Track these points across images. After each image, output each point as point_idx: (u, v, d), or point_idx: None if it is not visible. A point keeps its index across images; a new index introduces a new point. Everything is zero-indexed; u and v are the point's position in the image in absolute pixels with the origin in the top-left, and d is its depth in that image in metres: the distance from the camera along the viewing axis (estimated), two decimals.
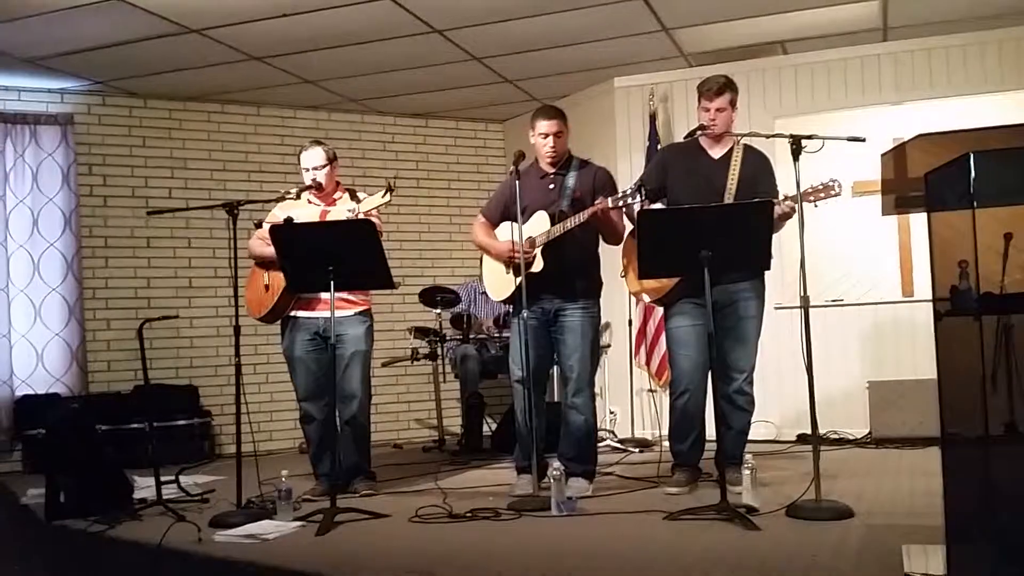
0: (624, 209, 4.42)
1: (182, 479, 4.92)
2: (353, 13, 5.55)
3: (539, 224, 4.46)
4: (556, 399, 5.32)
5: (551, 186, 4.54)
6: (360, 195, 4.76)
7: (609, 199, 4.25)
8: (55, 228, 6.67)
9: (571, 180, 4.54)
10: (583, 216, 4.30)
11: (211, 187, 7.19)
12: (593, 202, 4.39)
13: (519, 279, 4.39)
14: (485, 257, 4.75)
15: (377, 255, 4.13)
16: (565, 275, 4.44)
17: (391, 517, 4.07)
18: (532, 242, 4.42)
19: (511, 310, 4.79)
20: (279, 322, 4.85)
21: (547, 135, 4.51)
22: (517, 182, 4.32)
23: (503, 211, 4.67)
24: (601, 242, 4.64)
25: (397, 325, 7.40)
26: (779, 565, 2.95)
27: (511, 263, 4.52)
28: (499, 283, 4.64)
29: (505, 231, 4.64)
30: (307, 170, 4.79)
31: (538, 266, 4.40)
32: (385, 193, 4.39)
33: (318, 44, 6.10)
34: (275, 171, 7.29)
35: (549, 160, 4.55)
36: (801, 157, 3.89)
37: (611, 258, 5.71)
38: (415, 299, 6.91)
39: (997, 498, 2.52)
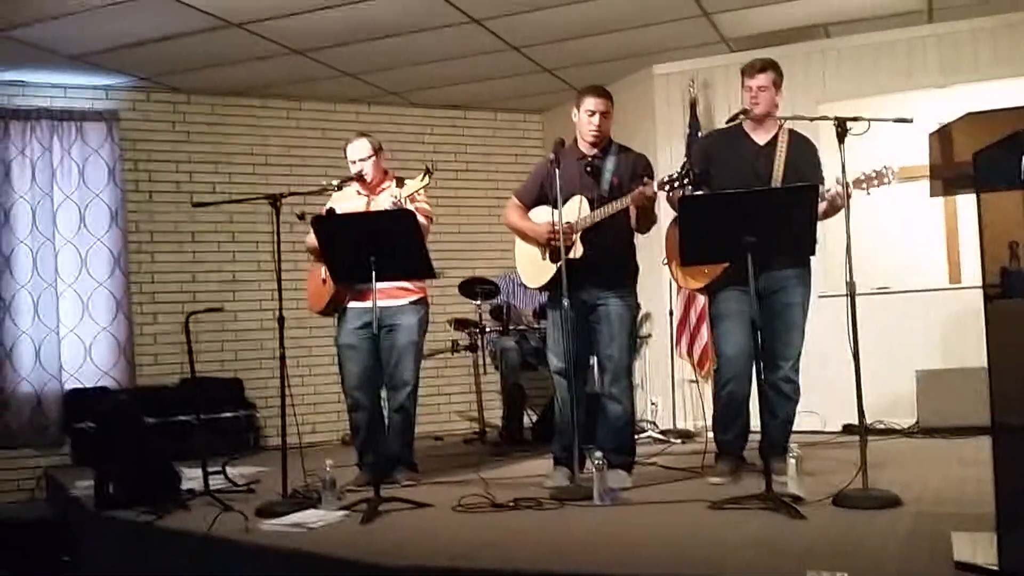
0: (666, 196, 4.38)
1: (228, 470, 4.97)
2: (392, 5, 5.57)
3: (574, 208, 4.38)
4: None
5: (588, 169, 4.47)
6: (407, 181, 4.77)
7: (655, 183, 4.20)
8: (102, 223, 6.78)
9: (610, 164, 4.48)
10: (627, 200, 4.24)
11: (254, 181, 7.24)
12: (631, 188, 4.34)
13: (558, 265, 4.34)
14: (519, 242, 4.67)
15: (417, 244, 4.14)
16: (603, 262, 4.38)
17: (434, 507, 4.08)
18: (571, 226, 4.35)
19: (547, 299, 4.74)
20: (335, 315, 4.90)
21: (594, 112, 4.44)
22: (557, 170, 4.29)
23: (538, 194, 4.62)
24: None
25: (437, 317, 7.37)
26: (825, 553, 2.92)
27: (548, 248, 4.47)
28: (535, 269, 4.58)
29: (540, 215, 4.57)
30: (353, 162, 4.83)
31: (577, 252, 4.34)
32: (424, 176, 4.42)
33: (358, 37, 6.12)
34: (317, 164, 7.31)
35: (592, 140, 4.46)
36: (847, 141, 3.83)
37: (649, 246, 5.68)
38: (454, 291, 6.93)
39: None
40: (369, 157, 4.82)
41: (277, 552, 3.52)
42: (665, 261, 4.75)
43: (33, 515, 5.73)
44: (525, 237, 4.62)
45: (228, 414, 6.70)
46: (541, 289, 4.68)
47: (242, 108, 7.38)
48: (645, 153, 4.73)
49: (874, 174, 3.98)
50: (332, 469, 4.21)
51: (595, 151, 4.50)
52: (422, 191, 4.57)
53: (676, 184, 4.14)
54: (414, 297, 4.82)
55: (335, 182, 4.75)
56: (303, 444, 4.76)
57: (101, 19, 5.54)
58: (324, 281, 4.76)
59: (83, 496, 4.88)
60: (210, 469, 4.67)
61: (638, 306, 4.95)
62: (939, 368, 6.03)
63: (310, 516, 3.93)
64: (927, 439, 5.68)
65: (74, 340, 6.69)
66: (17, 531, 5.40)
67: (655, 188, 4.18)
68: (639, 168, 4.50)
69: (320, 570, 3.32)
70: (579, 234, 4.36)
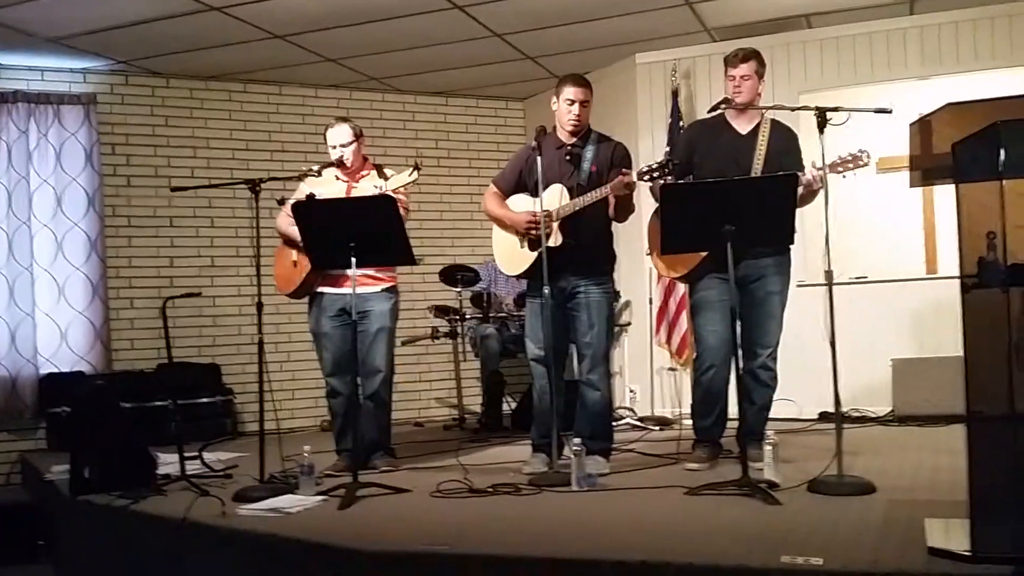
0: (648, 186, 4.39)
1: (205, 455, 4.95)
2: None
3: (554, 196, 4.38)
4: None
5: (567, 158, 4.47)
6: (387, 171, 4.75)
7: (634, 172, 4.21)
8: (79, 208, 6.71)
9: (589, 153, 4.48)
10: (607, 189, 4.25)
11: (233, 166, 7.20)
12: (609, 177, 4.34)
13: (536, 253, 4.34)
14: (496, 229, 4.66)
15: (398, 231, 4.13)
16: (581, 250, 4.39)
17: (412, 492, 4.09)
18: (550, 215, 4.35)
19: (526, 286, 4.74)
20: (305, 300, 4.87)
21: (573, 102, 4.43)
22: (539, 157, 4.29)
23: (517, 181, 4.62)
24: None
25: (417, 304, 7.40)
26: (800, 539, 2.94)
27: (527, 236, 4.47)
28: (513, 257, 4.58)
29: (518, 202, 4.57)
30: (334, 147, 4.79)
31: (555, 240, 4.34)
32: (412, 172, 4.39)
33: (339, 21, 6.08)
34: (297, 150, 7.29)
35: (571, 129, 4.46)
36: (826, 131, 3.85)
37: (629, 235, 5.70)
38: (435, 278, 6.92)
39: (1022, 474, 2.50)
40: (350, 143, 4.79)
41: (254, 537, 3.50)
42: (648, 252, 4.76)
43: (8, 499, 5.69)
44: (503, 225, 4.61)
45: (205, 399, 6.65)
46: (519, 277, 4.68)
47: (221, 92, 7.32)
48: (627, 142, 4.73)
49: (849, 157, 4.02)
50: (310, 455, 4.20)
51: (574, 140, 4.50)
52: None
53: (656, 174, 4.15)
54: (385, 285, 4.80)
55: (315, 167, 4.72)
56: (281, 430, 4.74)
57: (80, 1, 5.48)
58: (295, 264, 4.75)
59: (58, 481, 4.85)
60: (187, 454, 4.65)
61: (616, 294, 4.99)
62: (915, 357, 6.08)
63: (287, 501, 3.92)
64: (902, 427, 5.73)
65: (49, 324, 6.63)
66: None
67: (634, 177, 4.19)
68: (618, 157, 4.50)
69: (297, 555, 3.32)
70: (558, 223, 4.36)
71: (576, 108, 4.44)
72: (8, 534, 5.25)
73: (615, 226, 4.59)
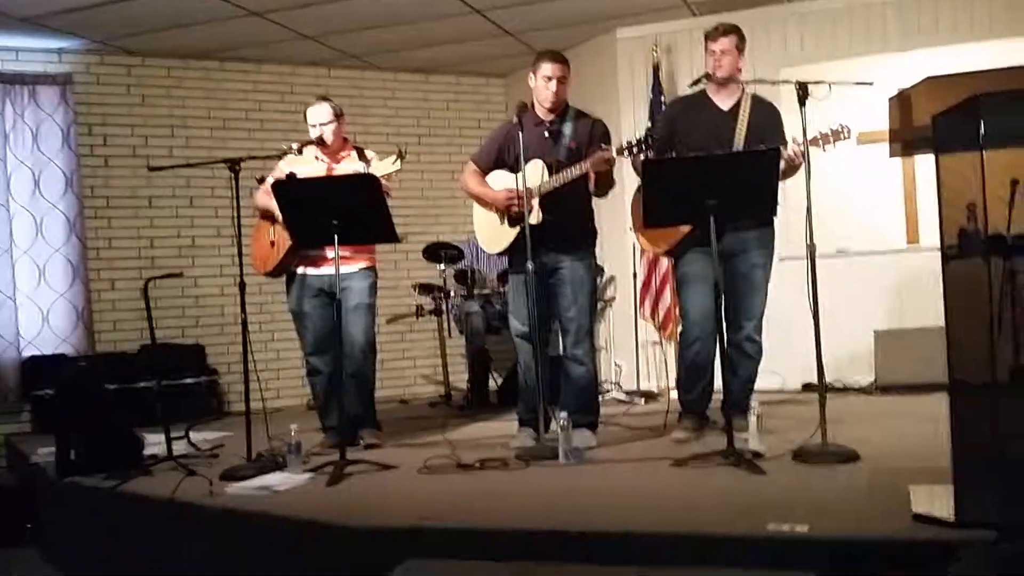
0: (630, 161, 4.39)
1: (192, 435, 4.94)
2: None
3: (533, 173, 4.35)
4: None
5: (546, 135, 4.46)
6: (368, 153, 4.73)
7: (613, 148, 4.21)
8: (57, 189, 6.65)
9: (567, 129, 4.46)
10: (587, 165, 4.24)
11: (212, 145, 7.14)
12: (588, 153, 4.33)
13: (516, 230, 4.34)
14: (476, 207, 4.64)
15: (380, 208, 4.11)
16: (562, 226, 4.38)
17: (399, 468, 4.09)
18: (530, 192, 4.34)
19: (508, 263, 4.73)
20: (284, 279, 4.86)
21: (551, 78, 4.40)
22: (520, 133, 4.27)
23: (496, 158, 4.59)
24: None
25: (401, 282, 7.40)
26: (786, 507, 2.97)
27: (507, 213, 4.46)
28: (493, 234, 4.56)
29: (497, 179, 4.55)
30: (314, 126, 4.76)
31: (536, 217, 4.33)
32: (396, 160, 4.36)
33: None
34: (276, 128, 7.24)
35: (549, 106, 4.44)
36: (808, 105, 3.87)
37: (613, 210, 5.70)
38: (419, 255, 6.92)
39: (1003, 441, 2.54)
40: (330, 122, 4.76)
41: (243, 515, 3.51)
42: (631, 228, 4.77)
43: None
44: (483, 203, 4.60)
45: (190, 380, 6.64)
46: (500, 254, 4.67)
47: (199, 71, 7.25)
48: (608, 117, 4.73)
49: (830, 132, 4.05)
50: (297, 433, 4.20)
51: (552, 116, 4.48)
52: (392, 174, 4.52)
53: (636, 150, 4.15)
54: (364, 264, 4.80)
55: (294, 145, 4.68)
56: (267, 409, 4.74)
57: None
58: (272, 243, 4.73)
59: (44, 463, 4.84)
60: (173, 435, 4.64)
61: (598, 268, 4.98)
62: (897, 328, 6.13)
63: (275, 479, 3.92)
64: (885, 397, 5.78)
65: (31, 307, 6.58)
66: None
67: (613, 153, 4.19)
68: (597, 133, 4.50)
69: (286, 532, 3.33)
70: (538, 199, 4.35)
71: (553, 85, 4.42)
72: None
73: (598, 201, 4.60)
